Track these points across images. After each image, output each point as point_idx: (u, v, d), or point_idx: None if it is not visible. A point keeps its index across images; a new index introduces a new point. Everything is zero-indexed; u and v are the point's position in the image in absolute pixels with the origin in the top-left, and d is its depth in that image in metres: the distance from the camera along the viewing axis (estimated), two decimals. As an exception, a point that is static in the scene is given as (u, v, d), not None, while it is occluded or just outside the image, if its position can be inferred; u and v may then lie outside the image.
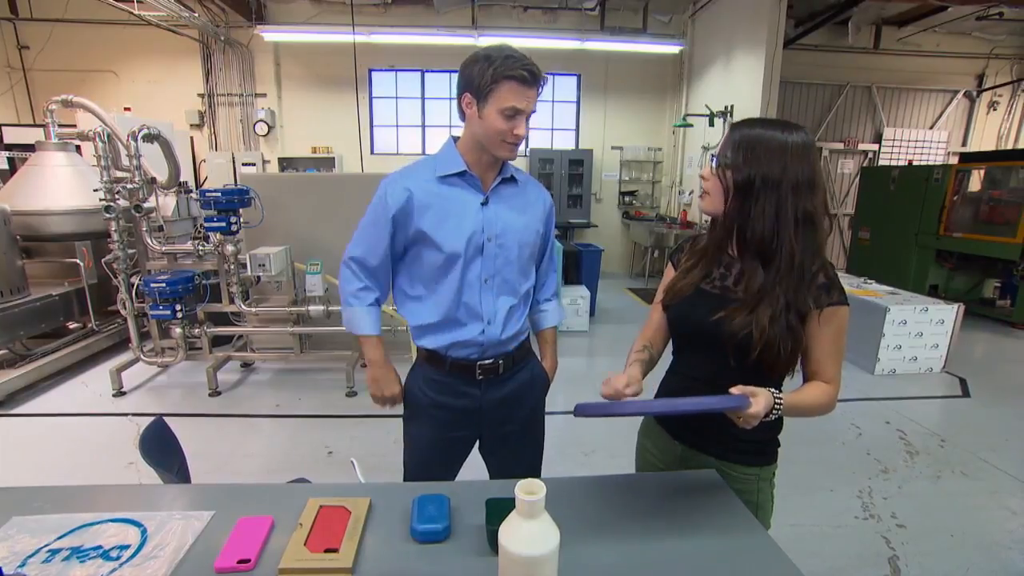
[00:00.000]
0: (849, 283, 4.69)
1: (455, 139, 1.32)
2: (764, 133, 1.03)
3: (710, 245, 1.16)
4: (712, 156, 1.10)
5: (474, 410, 1.37)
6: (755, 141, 1.03)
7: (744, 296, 1.08)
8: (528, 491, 0.74)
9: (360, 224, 1.35)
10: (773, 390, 1.01)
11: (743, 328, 1.04)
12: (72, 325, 4.18)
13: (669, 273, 1.28)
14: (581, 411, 0.92)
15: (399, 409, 1.48)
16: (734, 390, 0.95)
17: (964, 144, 8.33)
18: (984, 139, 8.38)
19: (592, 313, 5.42)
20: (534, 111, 1.22)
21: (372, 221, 1.32)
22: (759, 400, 0.94)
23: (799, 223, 1.02)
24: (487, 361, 1.34)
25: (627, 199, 8.10)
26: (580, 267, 5.45)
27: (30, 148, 4.47)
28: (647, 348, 1.24)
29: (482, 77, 1.15)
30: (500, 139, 1.20)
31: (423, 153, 7.77)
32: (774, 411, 0.99)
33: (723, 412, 0.97)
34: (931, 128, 8.18)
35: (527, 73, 1.14)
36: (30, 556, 0.87)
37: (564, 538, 0.77)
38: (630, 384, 1.03)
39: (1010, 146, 8.27)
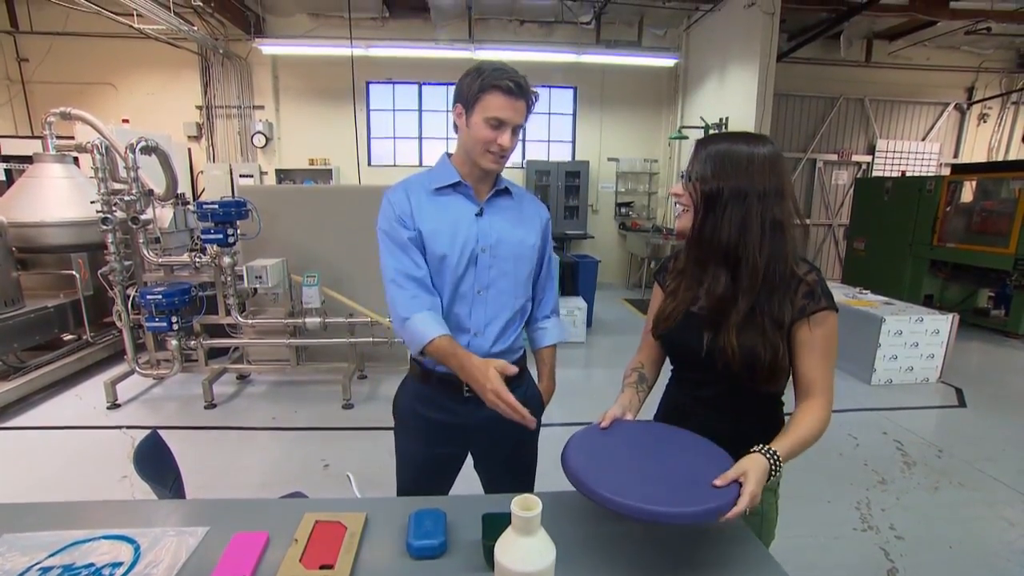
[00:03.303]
0: (844, 293, 4.71)
1: (448, 155, 1.33)
2: (730, 147, 1.05)
3: (688, 264, 1.16)
4: (683, 173, 1.11)
5: (462, 427, 1.34)
6: (722, 155, 1.05)
7: (707, 304, 1.09)
8: (524, 507, 0.74)
9: (380, 246, 1.28)
10: (766, 450, 0.95)
11: (728, 349, 1.04)
12: (67, 337, 4.16)
13: (657, 294, 1.27)
14: (566, 466, 0.95)
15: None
16: (718, 481, 0.89)
17: (956, 156, 8.43)
18: (975, 151, 8.49)
19: (589, 324, 5.44)
20: (523, 125, 1.22)
21: (388, 232, 1.27)
22: (749, 479, 0.88)
23: (765, 230, 1.03)
24: None
25: (623, 210, 8.14)
26: (577, 278, 5.46)
27: (28, 160, 4.48)
28: (637, 370, 1.24)
29: (471, 88, 1.17)
30: (485, 148, 1.20)
31: (420, 165, 7.81)
32: (773, 472, 0.93)
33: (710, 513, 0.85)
34: (923, 140, 8.28)
35: (512, 84, 1.15)
36: (21, 574, 0.86)
37: (560, 554, 0.77)
38: (626, 412, 1.11)
39: (1001, 157, 8.37)
